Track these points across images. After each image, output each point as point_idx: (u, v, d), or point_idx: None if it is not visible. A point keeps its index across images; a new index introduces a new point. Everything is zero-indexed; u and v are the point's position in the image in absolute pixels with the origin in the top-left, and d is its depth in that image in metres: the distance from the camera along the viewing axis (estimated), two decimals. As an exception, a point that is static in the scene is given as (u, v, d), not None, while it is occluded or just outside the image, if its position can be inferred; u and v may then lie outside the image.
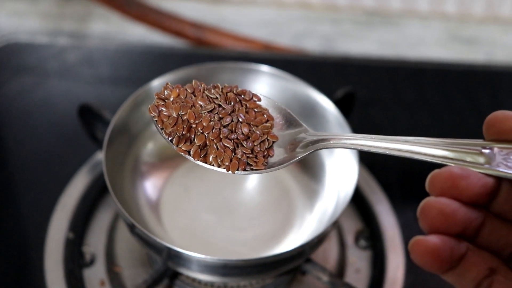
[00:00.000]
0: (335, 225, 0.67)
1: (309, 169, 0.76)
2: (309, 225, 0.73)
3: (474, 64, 1.06)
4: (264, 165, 0.53)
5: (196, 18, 1.11)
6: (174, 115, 0.53)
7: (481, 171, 0.41)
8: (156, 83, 0.74)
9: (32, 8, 1.19)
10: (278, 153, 0.54)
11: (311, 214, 0.73)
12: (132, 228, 0.64)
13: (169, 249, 0.61)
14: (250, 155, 0.53)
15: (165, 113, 0.53)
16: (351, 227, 0.79)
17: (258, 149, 0.53)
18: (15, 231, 0.79)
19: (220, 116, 0.53)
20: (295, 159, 0.52)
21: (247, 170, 0.53)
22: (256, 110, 0.55)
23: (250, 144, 0.53)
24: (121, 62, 1.02)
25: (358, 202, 0.80)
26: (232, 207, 0.74)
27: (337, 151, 0.72)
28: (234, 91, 0.55)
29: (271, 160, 0.53)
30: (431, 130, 0.95)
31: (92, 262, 0.74)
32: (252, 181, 0.77)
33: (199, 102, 0.53)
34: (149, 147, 0.76)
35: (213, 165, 0.53)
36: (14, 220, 0.80)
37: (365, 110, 0.95)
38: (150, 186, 0.75)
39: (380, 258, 0.76)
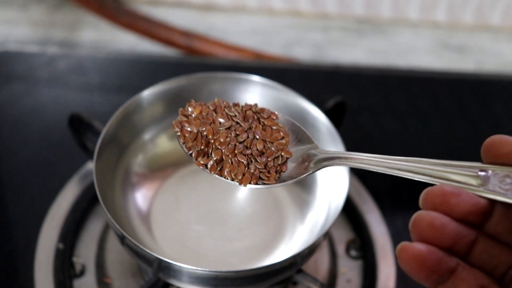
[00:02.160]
0: (326, 236, 0.67)
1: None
2: (300, 236, 0.72)
3: (464, 72, 1.07)
4: (276, 180, 0.57)
5: (186, 26, 1.11)
6: (195, 131, 0.58)
7: (475, 192, 0.42)
8: (147, 93, 0.74)
9: (21, 16, 1.18)
10: (289, 167, 0.58)
11: (302, 225, 0.73)
12: (122, 239, 0.64)
13: (160, 260, 0.61)
14: (263, 170, 0.57)
15: (187, 129, 0.58)
16: (342, 237, 0.79)
17: (272, 164, 0.57)
18: (4, 241, 0.78)
19: (237, 132, 0.58)
20: (305, 174, 0.56)
21: (258, 184, 0.57)
22: (273, 127, 0.59)
23: (264, 160, 0.57)
24: (111, 71, 1.02)
25: (349, 212, 0.80)
26: (223, 218, 0.74)
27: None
28: (253, 109, 0.60)
29: (283, 174, 0.57)
30: (422, 138, 0.95)
31: (82, 273, 0.74)
32: (243, 191, 0.77)
33: (219, 119, 0.58)
34: (140, 158, 0.76)
35: (227, 178, 0.57)
36: (3, 230, 0.79)
37: (356, 119, 0.95)
38: (141, 196, 0.75)
39: (371, 268, 0.76)
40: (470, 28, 1.21)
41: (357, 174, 0.83)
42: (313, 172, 0.56)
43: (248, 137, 0.58)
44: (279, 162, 0.57)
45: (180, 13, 1.21)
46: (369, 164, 0.50)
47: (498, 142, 0.42)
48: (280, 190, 0.77)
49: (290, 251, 0.71)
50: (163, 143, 0.78)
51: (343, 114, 0.80)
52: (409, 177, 0.46)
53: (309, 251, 0.65)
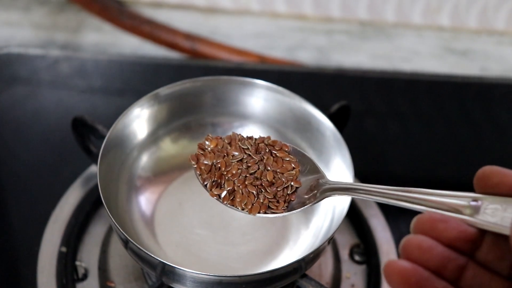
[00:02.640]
0: (331, 241, 0.66)
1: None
2: (304, 241, 0.72)
3: (468, 76, 1.06)
4: (284, 209, 0.61)
5: (189, 29, 1.11)
6: (209, 163, 0.63)
7: (467, 221, 0.44)
8: (151, 96, 0.73)
9: (24, 19, 1.18)
10: (298, 195, 0.62)
11: (307, 229, 0.73)
12: (126, 243, 0.64)
13: (164, 265, 0.61)
14: (272, 200, 0.61)
15: (203, 162, 0.63)
16: (346, 242, 0.79)
17: (281, 193, 0.61)
18: (7, 245, 0.78)
19: (249, 164, 0.62)
20: (312, 203, 0.60)
21: (267, 213, 0.61)
22: (285, 159, 0.63)
23: (274, 189, 0.61)
24: (114, 74, 1.02)
25: (353, 216, 0.80)
26: (227, 222, 0.74)
27: (333, 166, 0.72)
28: (266, 142, 0.64)
29: (292, 203, 0.61)
30: (425, 142, 0.95)
31: (85, 276, 0.74)
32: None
33: (233, 152, 0.63)
34: (144, 162, 0.76)
35: (238, 208, 0.61)
36: (6, 234, 0.79)
37: (360, 122, 0.94)
38: (145, 200, 0.74)
39: (375, 273, 0.75)
40: (474, 32, 1.21)
41: (361, 178, 0.82)
42: (319, 201, 0.59)
43: (258, 168, 0.62)
44: (288, 192, 0.61)
45: (183, 16, 1.21)
46: (370, 195, 0.53)
47: (488, 173, 0.44)
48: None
49: (294, 255, 0.71)
50: (167, 147, 0.77)
51: (347, 118, 0.80)
52: (407, 207, 0.48)
53: (313, 256, 0.65)
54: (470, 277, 0.44)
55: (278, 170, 0.62)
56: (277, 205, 0.61)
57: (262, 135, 0.66)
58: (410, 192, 0.48)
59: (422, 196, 0.47)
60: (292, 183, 0.61)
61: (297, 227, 0.74)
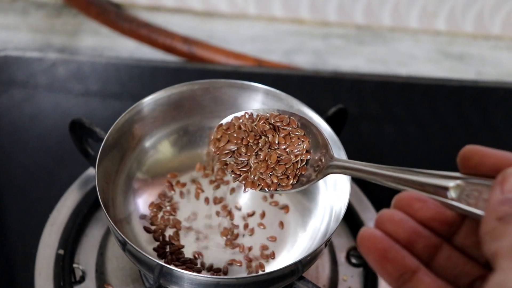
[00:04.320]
0: (328, 243, 0.67)
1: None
2: (301, 243, 0.72)
3: (464, 80, 1.07)
4: (293, 184, 0.64)
5: (186, 33, 1.11)
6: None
7: (445, 202, 0.44)
8: (148, 100, 0.74)
9: (22, 22, 1.18)
10: (306, 176, 0.64)
11: (304, 232, 0.73)
12: (124, 245, 0.64)
13: (161, 267, 0.61)
14: (282, 177, 0.64)
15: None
16: (343, 244, 0.79)
17: (291, 169, 0.64)
18: (5, 247, 0.78)
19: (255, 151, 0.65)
20: (318, 179, 0.62)
21: (278, 190, 0.64)
22: (293, 133, 0.65)
23: (283, 166, 0.64)
24: (112, 77, 1.02)
25: (350, 219, 0.80)
26: (224, 224, 0.74)
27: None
28: (272, 120, 0.66)
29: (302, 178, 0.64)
30: (421, 145, 0.95)
31: (82, 279, 0.74)
32: (244, 198, 0.77)
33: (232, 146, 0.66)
34: (141, 164, 0.76)
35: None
36: (4, 236, 0.79)
37: (356, 126, 0.95)
38: (142, 203, 0.75)
39: (372, 276, 0.76)
40: (470, 36, 1.21)
41: (358, 181, 0.83)
42: (322, 177, 0.62)
43: (262, 151, 0.65)
44: (298, 166, 0.64)
45: (181, 20, 1.21)
46: (367, 174, 0.55)
47: (468, 153, 0.45)
48: (282, 198, 0.77)
49: (291, 258, 0.71)
50: (165, 150, 0.78)
51: (344, 121, 0.80)
52: (392, 187, 0.50)
53: (310, 259, 0.65)
54: (444, 258, 0.45)
55: (285, 148, 0.64)
56: (286, 181, 0.64)
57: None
58: (393, 171, 0.50)
59: (408, 177, 0.48)
60: (301, 157, 0.64)
61: (294, 229, 0.74)
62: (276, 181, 0.64)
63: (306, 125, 0.66)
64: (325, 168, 0.61)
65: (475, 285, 0.43)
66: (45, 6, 1.22)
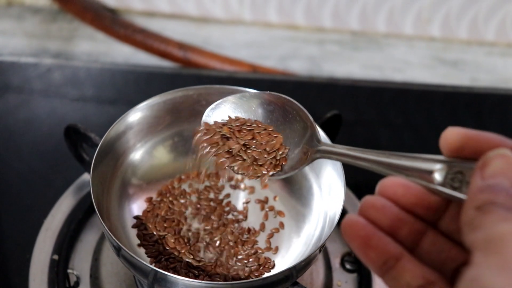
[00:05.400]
0: (322, 249, 0.67)
1: (296, 192, 0.76)
2: (296, 248, 0.72)
3: (458, 86, 1.07)
4: (276, 172, 0.64)
5: (181, 38, 1.11)
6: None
7: (428, 186, 0.43)
8: (143, 105, 0.74)
9: (17, 28, 1.18)
10: (293, 157, 0.64)
11: (298, 238, 0.73)
12: (118, 250, 0.64)
13: (156, 272, 0.61)
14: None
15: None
16: (337, 250, 0.79)
17: (268, 165, 0.64)
18: (-1, 253, 0.78)
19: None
20: (304, 165, 0.62)
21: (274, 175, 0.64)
22: (263, 131, 0.66)
23: (264, 159, 0.65)
24: (107, 82, 1.02)
25: (344, 225, 0.80)
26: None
27: (324, 174, 0.72)
28: (248, 124, 0.67)
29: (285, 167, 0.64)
30: (416, 151, 0.94)
31: (77, 284, 0.74)
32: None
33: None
34: (136, 170, 0.76)
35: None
36: (-2, 241, 0.79)
37: (351, 131, 0.95)
38: (137, 208, 0.75)
39: (366, 281, 0.76)
40: (465, 43, 1.21)
41: (352, 187, 0.83)
42: (308, 163, 0.62)
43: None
44: (277, 157, 0.64)
45: (176, 25, 1.21)
46: (349, 159, 0.54)
47: (450, 136, 0.43)
48: (276, 203, 0.77)
49: (285, 263, 0.71)
50: (159, 155, 0.78)
51: (339, 127, 0.81)
52: (377, 171, 0.48)
53: (304, 264, 0.65)
54: (428, 244, 0.44)
55: (263, 143, 0.65)
56: (266, 171, 0.64)
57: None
58: (387, 157, 0.48)
59: (392, 161, 0.47)
60: (279, 153, 0.65)
61: (288, 235, 0.74)
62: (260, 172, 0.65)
63: (293, 109, 0.66)
64: (312, 153, 0.61)
65: (460, 270, 0.42)
66: (40, 12, 1.22)
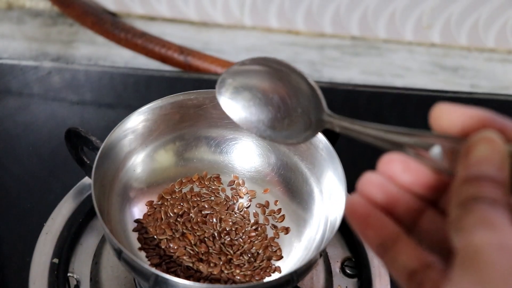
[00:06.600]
0: (323, 253, 0.67)
1: (297, 196, 0.76)
2: (296, 253, 0.72)
3: (458, 91, 1.07)
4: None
5: (182, 43, 1.11)
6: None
7: (423, 163, 0.42)
8: (144, 109, 0.73)
9: (17, 31, 1.18)
10: (297, 127, 0.61)
11: (299, 242, 0.73)
12: (119, 253, 0.63)
13: (157, 276, 0.61)
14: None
15: None
16: (338, 255, 0.79)
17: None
18: (-1, 256, 0.78)
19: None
20: (313, 135, 0.60)
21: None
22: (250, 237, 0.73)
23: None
24: (107, 86, 1.02)
25: (345, 230, 0.80)
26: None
27: (325, 179, 0.72)
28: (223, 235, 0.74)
29: (290, 132, 0.61)
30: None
31: (77, 288, 0.74)
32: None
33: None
34: (137, 173, 0.76)
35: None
36: (-2, 245, 0.79)
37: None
38: (138, 211, 0.74)
39: (367, 286, 0.76)
40: (465, 49, 1.22)
41: (353, 190, 0.83)
42: (316, 133, 0.59)
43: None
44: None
45: (176, 29, 1.21)
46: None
47: (438, 113, 0.41)
48: (277, 208, 0.77)
49: (286, 268, 0.71)
50: (160, 159, 0.77)
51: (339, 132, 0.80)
52: (378, 146, 0.46)
53: (305, 269, 0.65)
54: (427, 222, 0.43)
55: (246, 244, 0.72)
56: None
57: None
58: (386, 132, 0.46)
59: (391, 136, 0.45)
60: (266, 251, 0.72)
61: (289, 239, 0.74)
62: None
63: (300, 76, 0.65)
64: (318, 123, 0.59)
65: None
66: (40, 15, 1.22)
